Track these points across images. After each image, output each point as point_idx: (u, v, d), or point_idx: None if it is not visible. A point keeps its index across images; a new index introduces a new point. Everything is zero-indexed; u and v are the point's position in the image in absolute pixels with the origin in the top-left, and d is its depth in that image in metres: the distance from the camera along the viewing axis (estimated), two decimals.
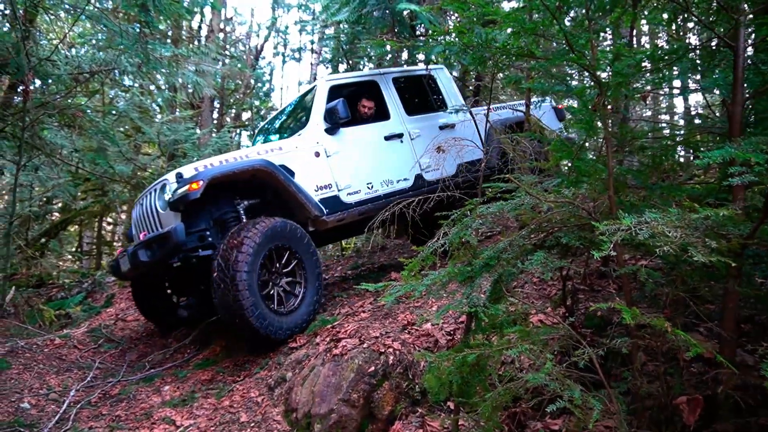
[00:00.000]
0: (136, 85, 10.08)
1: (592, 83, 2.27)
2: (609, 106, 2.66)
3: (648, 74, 2.83)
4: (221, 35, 15.18)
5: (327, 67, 16.18)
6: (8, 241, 6.50)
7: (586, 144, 2.37)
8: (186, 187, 4.29)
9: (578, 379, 1.96)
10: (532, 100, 5.83)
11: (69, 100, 8.10)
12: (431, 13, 6.34)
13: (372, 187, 5.37)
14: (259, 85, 17.51)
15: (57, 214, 12.30)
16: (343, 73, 5.81)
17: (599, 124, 2.25)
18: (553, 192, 2.26)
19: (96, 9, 7.28)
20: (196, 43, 14.45)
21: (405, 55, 9.16)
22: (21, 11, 7.04)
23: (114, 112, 9.89)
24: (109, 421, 3.80)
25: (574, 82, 5.24)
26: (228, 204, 4.77)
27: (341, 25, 9.61)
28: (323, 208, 5.00)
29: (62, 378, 4.68)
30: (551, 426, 2.57)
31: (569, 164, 2.32)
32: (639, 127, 5.90)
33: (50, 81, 7.58)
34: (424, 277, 2.34)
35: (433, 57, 5.86)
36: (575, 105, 3.96)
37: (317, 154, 5.15)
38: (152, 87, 11.73)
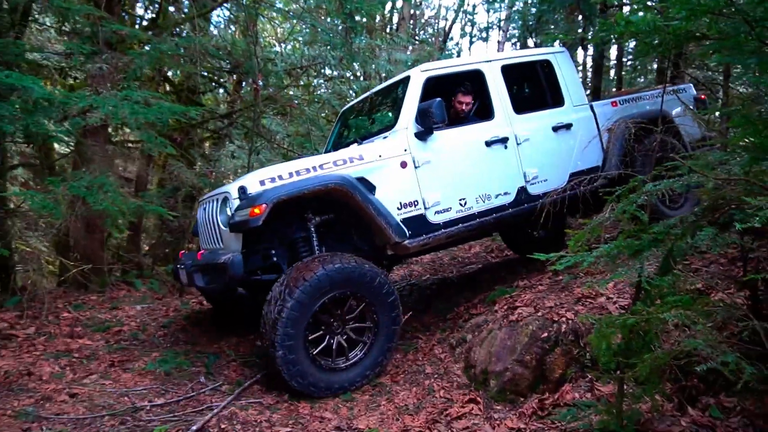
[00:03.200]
0: (336, 74, 11.22)
1: None
2: None
3: None
4: (411, 22, 15.90)
5: (515, 46, 16.06)
6: None
7: None
8: (247, 212, 3.75)
9: (741, 349, 2.04)
10: (674, 86, 5.06)
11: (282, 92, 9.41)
12: None
13: (465, 203, 4.55)
14: None
15: None
16: (442, 61, 5.06)
17: None
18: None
19: (302, 9, 8.28)
20: (387, 30, 15.41)
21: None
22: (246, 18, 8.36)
23: (317, 100, 11.11)
24: None
25: None
26: (298, 220, 4.25)
27: (528, 2, 9.61)
28: (406, 231, 4.28)
29: None
30: (724, 403, 2.60)
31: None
32: None
33: (270, 78, 8.87)
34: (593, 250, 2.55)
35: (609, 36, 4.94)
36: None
37: (404, 165, 4.35)
38: (349, 74, 12.93)
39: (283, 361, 3.64)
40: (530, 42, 11.95)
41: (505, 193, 4.73)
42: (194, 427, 3.14)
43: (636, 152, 4.94)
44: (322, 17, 8.30)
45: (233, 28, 9.65)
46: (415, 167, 4.38)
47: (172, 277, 5.86)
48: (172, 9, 8.46)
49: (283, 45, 11.01)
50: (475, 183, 4.62)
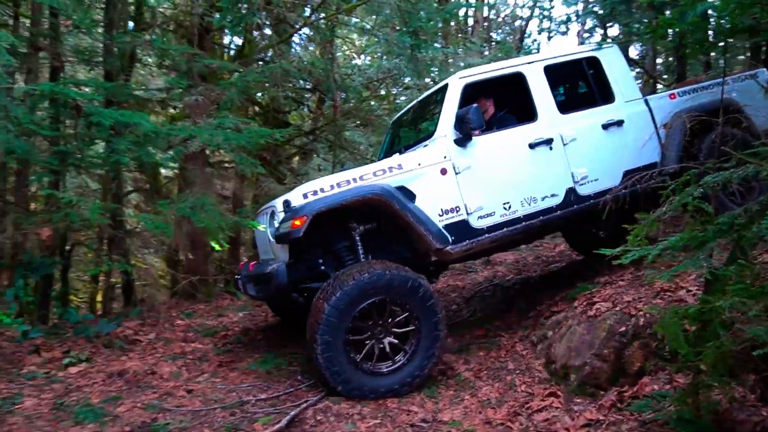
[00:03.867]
0: (413, 82, 11.50)
1: None
2: None
3: None
4: (485, 24, 15.90)
5: (592, 35, 15.58)
6: None
7: None
8: (289, 224, 3.98)
9: None
10: (741, 73, 4.71)
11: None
12: None
13: (509, 207, 4.53)
14: None
15: None
16: (481, 67, 4.99)
17: None
18: None
19: (373, 25, 8.61)
20: (462, 34, 15.50)
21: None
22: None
23: (397, 108, 11.42)
24: None
25: None
26: (342, 230, 4.38)
27: None
28: (448, 237, 4.32)
29: None
30: None
31: None
32: None
33: (349, 92, 9.29)
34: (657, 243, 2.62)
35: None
36: None
37: (443, 172, 4.41)
38: (428, 81, 13.18)
39: (325, 366, 3.77)
40: (610, 33, 11.65)
41: (552, 195, 4.66)
42: (292, 413, 3.55)
43: (699, 145, 4.77)
44: (393, 31, 8.63)
45: (312, 48, 10.21)
46: (456, 173, 4.42)
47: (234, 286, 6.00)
48: (256, 34, 9.08)
49: (360, 58, 11.47)
50: (519, 186, 4.59)
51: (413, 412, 3.75)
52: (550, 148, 4.70)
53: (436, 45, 9.00)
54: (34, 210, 6.39)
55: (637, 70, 11.76)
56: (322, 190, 4.20)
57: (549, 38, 19.29)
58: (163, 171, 9.27)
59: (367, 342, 3.99)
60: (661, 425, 2.79)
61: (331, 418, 3.59)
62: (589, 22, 14.86)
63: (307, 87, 8.94)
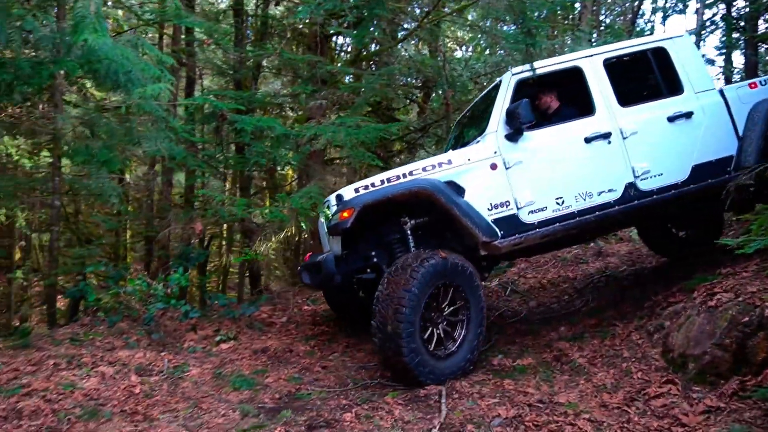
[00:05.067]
0: None
1: None
2: None
3: None
4: (594, 8, 15.38)
5: (717, 11, 14.57)
6: None
7: None
8: (338, 216, 4.15)
9: None
10: None
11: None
12: None
13: (563, 202, 4.49)
14: None
15: None
16: (540, 62, 4.87)
17: None
18: None
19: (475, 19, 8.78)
20: (570, 20, 15.10)
21: None
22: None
23: None
24: (520, 346, 5.07)
25: None
26: (394, 223, 4.51)
27: None
28: (497, 230, 4.35)
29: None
30: None
31: None
32: None
33: (457, 86, 9.53)
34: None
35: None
36: None
37: (494, 167, 4.44)
38: None
39: (408, 350, 3.82)
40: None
41: (610, 190, 4.57)
42: (422, 392, 3.89)
43: None
44: (496, 22, 8.74)
45: (420, 46, 10.54)
46: (506, 168, 4.43)
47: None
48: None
49: (462, 50, 11.61)
50: (574, 181, 4.53)
51: (529, 393, 3.97)
52: (609, 142, 4.62)
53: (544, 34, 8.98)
54: (183, 206, 7.28)
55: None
56: (373, 185, 4.36)
57: (665, 17, 18.33)
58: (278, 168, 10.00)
59: (428, 326, 4.11)
60: None
61: (455, 395, 3.91)
62: None
63: (417, 86, 9.29)
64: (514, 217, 4.42)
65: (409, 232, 4.43)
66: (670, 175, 4.64)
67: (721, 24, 13.12)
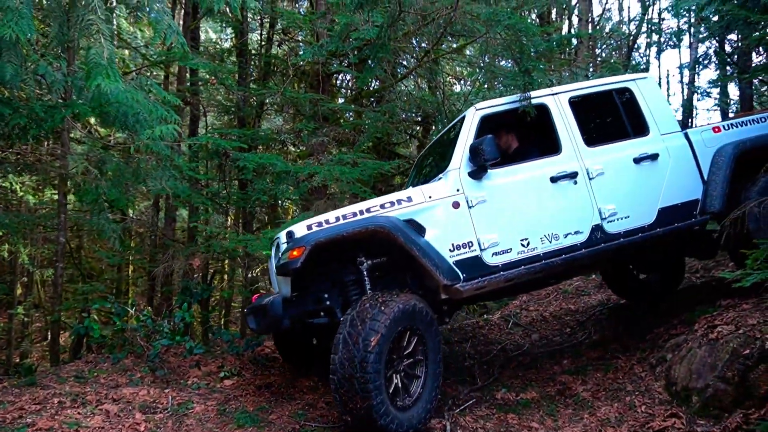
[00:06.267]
0: None
1: None
2: None
3: None
4: (590, 43, 15.73)
5: (710, 46, 14.91)
6: None
7: None
8: (287, 255, 3.84)
9: None
10: None
11: None
12: None
13: (528, 244, 4.28)
14: None
15: None
16: (501, 99, 4.69)
17: None
18: None
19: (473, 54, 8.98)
20: (564, 55, 15.44)
21: None
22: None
23: None
24: (523, 380, 5.07)
25: None
26: (349, 263, 4.21)
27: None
28: (459, 273, 4.08)
29: (487, 348, 6.27)
30: None
31: None
32: None
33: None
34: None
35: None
36: None
37: (456, 205, 4.20)
38: None
39: (378, 402, 3.48)
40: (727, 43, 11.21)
41: (576, 232, 4.40)
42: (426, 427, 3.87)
43: (749, 184, 4.57)
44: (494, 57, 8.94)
45: (418, 82, 10.77)
46: (469, 207, 4.22)
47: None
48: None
49: (460, 84, 11.83)
50: (539, 222, 4.34)
51: (534, 428, 3.98)
52: (575, 183, 4.47)
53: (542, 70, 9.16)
54: (184, 243, 7.36)
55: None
56: (327, 221, 4.07)
57: (659, 52, 18.73)
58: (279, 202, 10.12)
59: (392, 375, 3.76)
60: None
61: (459, 430, 3.91)
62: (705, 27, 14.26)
63: (417, 120, 9.47)
64: (477, 259, 4.18)
65: (365, 273, 4.11)
66: (637, 217, 4.55)
67: (715, 59, 13.41)
